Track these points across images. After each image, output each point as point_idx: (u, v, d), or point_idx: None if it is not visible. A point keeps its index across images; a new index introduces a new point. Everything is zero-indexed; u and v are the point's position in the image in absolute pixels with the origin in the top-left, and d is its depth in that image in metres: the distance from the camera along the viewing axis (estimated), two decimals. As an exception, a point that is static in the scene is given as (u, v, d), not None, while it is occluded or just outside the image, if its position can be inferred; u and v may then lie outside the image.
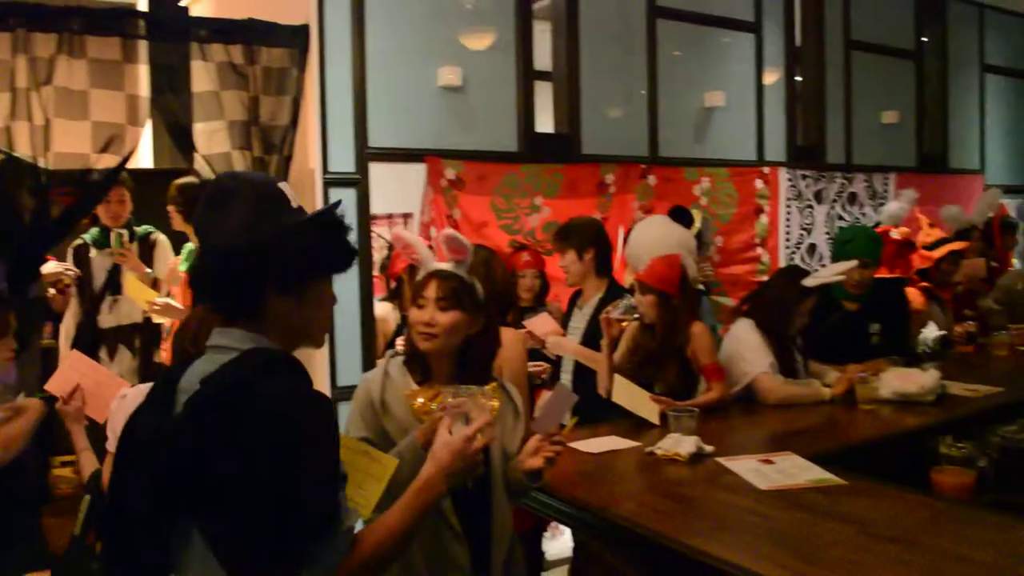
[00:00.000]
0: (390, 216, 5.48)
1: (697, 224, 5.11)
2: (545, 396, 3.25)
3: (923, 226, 5.42)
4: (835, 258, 4.03)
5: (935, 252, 4.98)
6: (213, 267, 1.44)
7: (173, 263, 4.52)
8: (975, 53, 7.94)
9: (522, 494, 2.22)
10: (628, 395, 3.11)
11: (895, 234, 5.19)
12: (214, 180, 1.58)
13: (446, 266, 2.21)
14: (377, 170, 4.50)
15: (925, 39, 7.47)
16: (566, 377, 3.67)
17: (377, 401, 2.10)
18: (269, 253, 1.42)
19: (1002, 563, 1.85)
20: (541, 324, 3.59)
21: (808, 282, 3.43)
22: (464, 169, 4.72)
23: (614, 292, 3.60)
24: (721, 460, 2.58)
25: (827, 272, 3.60)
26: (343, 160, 4.36)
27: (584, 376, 3.49)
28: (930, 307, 4.76)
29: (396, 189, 4.80)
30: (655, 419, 3.03)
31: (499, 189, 4.84)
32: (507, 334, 2.87)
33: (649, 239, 3.72)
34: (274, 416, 1.31)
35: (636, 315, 3.24)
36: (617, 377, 3.16)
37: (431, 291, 2.12)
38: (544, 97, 5.37)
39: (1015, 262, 6.43)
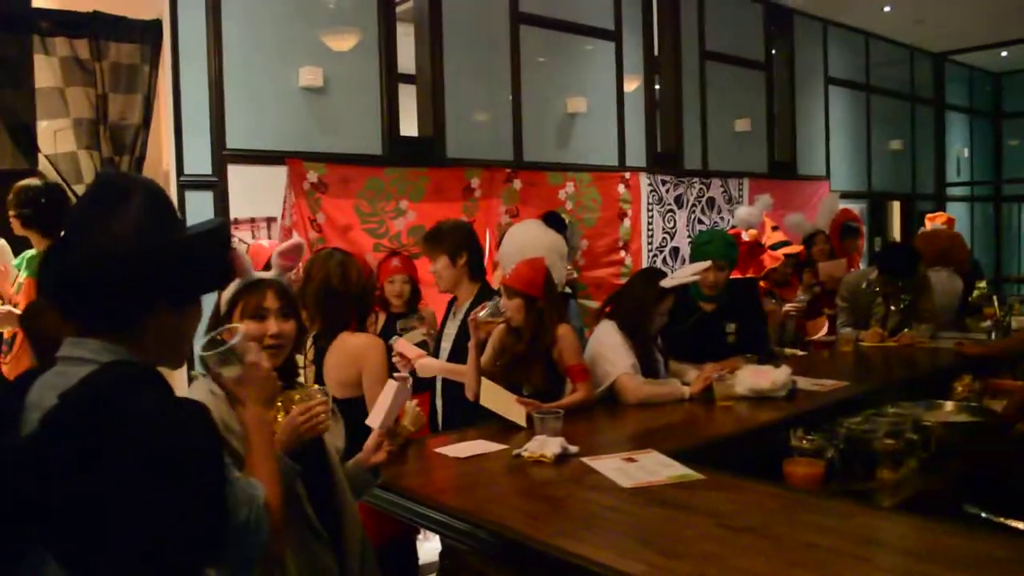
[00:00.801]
0: (252, 220, 5.31)
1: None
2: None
3: (767, 229, 5.70)
4: (694, 260, 4.16)
5: (777, 253, 5.28)
6: (97, 273, 1.31)
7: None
8: (820, 66, 8.40)
9: (364, 490, 2.26)
10: (495, 398, 3.12)
11: (746, 236, 5.43)
12: (100, 176, 1.47)
13: (273, 274, 2.14)
14: (236, 172, 4.37)
15: (774, 52, 7.85)
16: (436, 384, 3.66)
17: (216, 421, 2.03)
18: (171, 262, 1.34)
19: (847, 548, 1.95)
20: (406, 348, 3.54)
21: (665, 283, 3.53)
22: (327, 172, 4.64)
23: (485, 295, 3.59)
24: (586, 460, 2.61)
25: (683, 273, 3.71)
26: (199, 162, 4.21)
27: (453, 381, 3.48)
28: (768, 304, 5.04)
29: (257, 192, 4.68)
30: (522, 421, 3.05)
31: (363, 192, 4.79)
32: (364, 340, 2.84)
33: (521, 243, 3.74)
34: (148, 429, 1.23)
35: (503, 317, 3.25)
36: (484, 381, 3.17)
37: (270, 301, 2.01)
38: (408, 100, 5.35)
39: (860, 264, 6.82)
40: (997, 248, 10.71)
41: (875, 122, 9.12)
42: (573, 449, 2.68)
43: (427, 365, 3.52)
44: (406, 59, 5.35)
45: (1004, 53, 9.92)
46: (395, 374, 3.09)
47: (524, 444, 2.73)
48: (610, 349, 3.45)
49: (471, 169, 5.34)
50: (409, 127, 5.37)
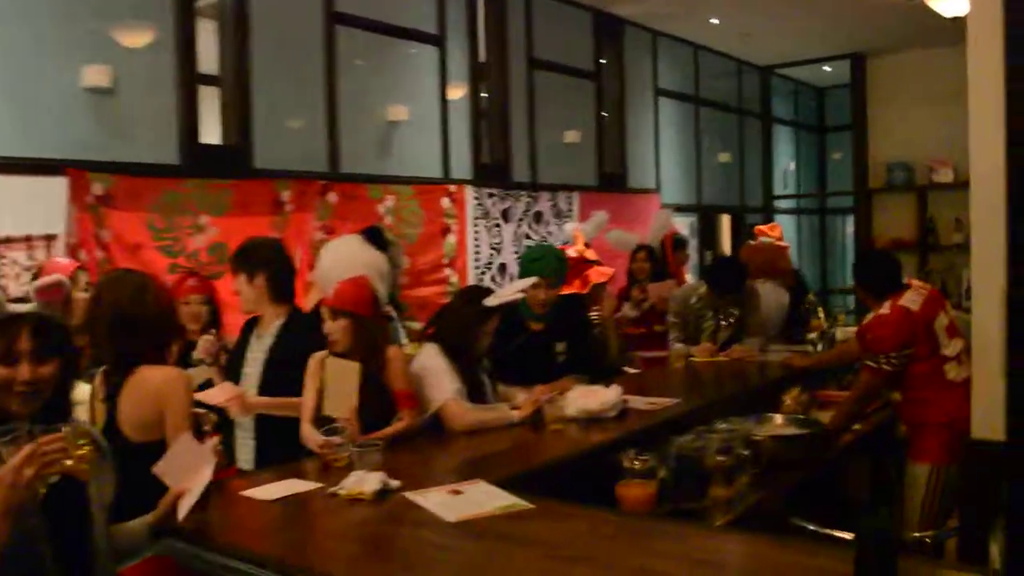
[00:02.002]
0: (28, 238, 5.01)
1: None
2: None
3: (580, 246, 5.89)
4: (523, 277, 4.20)
5: (605, 269, 5.53)
6: None
7: None
8: (649, 77, 8.74)
9: (136, 553, 2.20)
10: (336, 381, 3.10)
11: (572, 252, 5.58)
12: None
13: (30, 307, 2.02)
14: (6, 184, 4.09)
15: (603, 61, 8.10)
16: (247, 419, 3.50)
17: None
18: None
19: (681, 571, 2.01)
20: (217, 394, 3.35)
21: (489, 302, 3.55)
22: (114, 183, 4.42)
23: (296, 318, 3.50)
24: (409, 495, 2.58)
25: (508, 291, 3.75)
26: (-42, 172, 3.91)
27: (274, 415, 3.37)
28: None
29: (31, 206, 4.40)
30: (338, 413, 3.06)
31: (156, 207, 4.58)
32: (164, 373, 2.69)
33: (336, 260, 3.69)
34: None
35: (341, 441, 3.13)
36: (339, 361, 3.14)
37: (24, 343, 1.90)
38: (210, 104, 5.17)
39: (688, 277, 7.10)
40: (823, 260, 11.45)
41: (704, 134, 9.57)
42: (395, 484, 2.64)
43: (248, 405, 3.35)
44: (208, 58, 5.17)
45: (827, 68, 10.63)
46: (204, 423, 2.96)
47: (341, 481, 2.66)
48: (433, 373, 3.44)
49: (281, 181, 5.21)
50: (211, 134, 5.18)
